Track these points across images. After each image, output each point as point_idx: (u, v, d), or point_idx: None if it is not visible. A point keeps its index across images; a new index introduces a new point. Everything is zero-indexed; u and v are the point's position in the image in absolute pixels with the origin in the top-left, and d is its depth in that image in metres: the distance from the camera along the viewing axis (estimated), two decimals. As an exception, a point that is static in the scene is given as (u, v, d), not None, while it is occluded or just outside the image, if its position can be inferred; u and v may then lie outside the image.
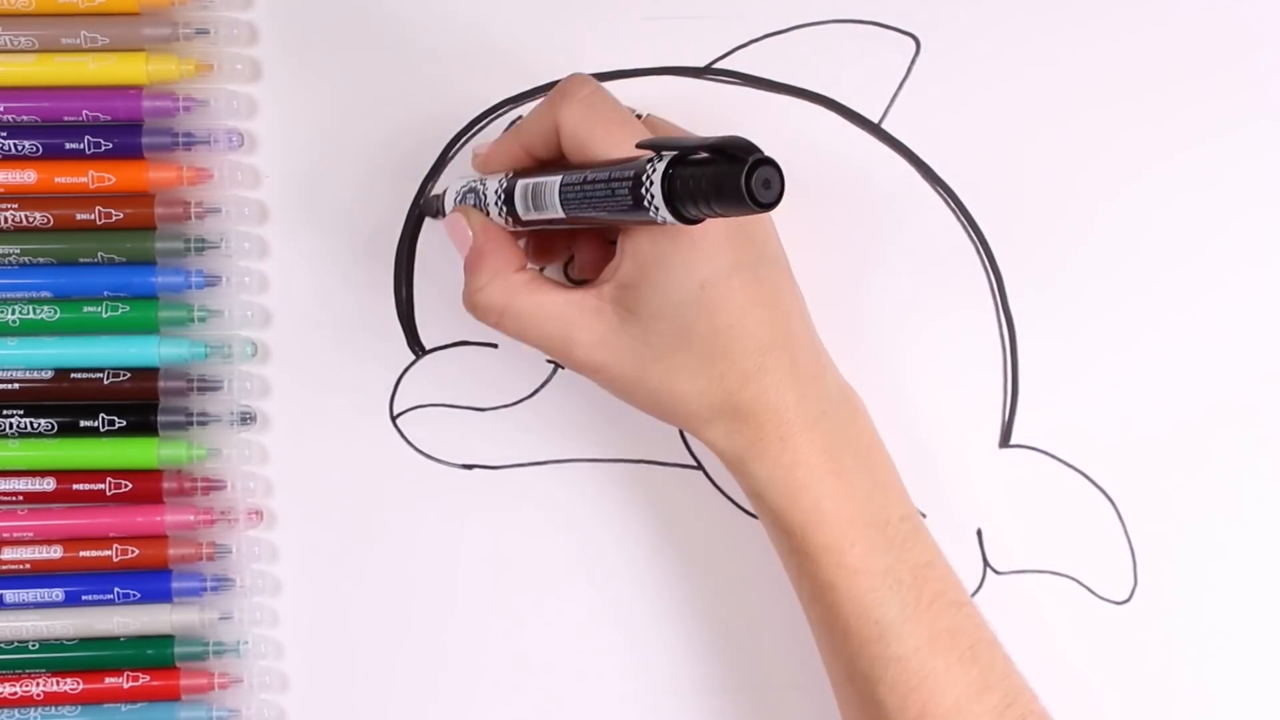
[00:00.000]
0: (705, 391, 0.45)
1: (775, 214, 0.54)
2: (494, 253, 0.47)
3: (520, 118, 0.53)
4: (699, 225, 0.41)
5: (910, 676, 0.45)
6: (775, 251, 0.47)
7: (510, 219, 0.46)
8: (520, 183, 0.44)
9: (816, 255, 0.55)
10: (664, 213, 0.37)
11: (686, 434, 0.55)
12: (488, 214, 0.47)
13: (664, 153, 0.38)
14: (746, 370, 0.45)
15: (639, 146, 0.39)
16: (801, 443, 0.45)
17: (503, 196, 0.46)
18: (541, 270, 0.50)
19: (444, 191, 0.51)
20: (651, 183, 0.37)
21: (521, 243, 0.49)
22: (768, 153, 0.36)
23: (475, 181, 0.48)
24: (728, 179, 0.35)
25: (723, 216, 0.36)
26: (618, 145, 0.43)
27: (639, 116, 0.47)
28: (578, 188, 0.41)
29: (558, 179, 0.42)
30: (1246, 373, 0.55)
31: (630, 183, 0.37)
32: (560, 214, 0.42)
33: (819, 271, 0.55)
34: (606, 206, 0.39)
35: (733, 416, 0.45)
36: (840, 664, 0.47)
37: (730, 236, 0.44)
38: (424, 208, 0.53)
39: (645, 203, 0.36)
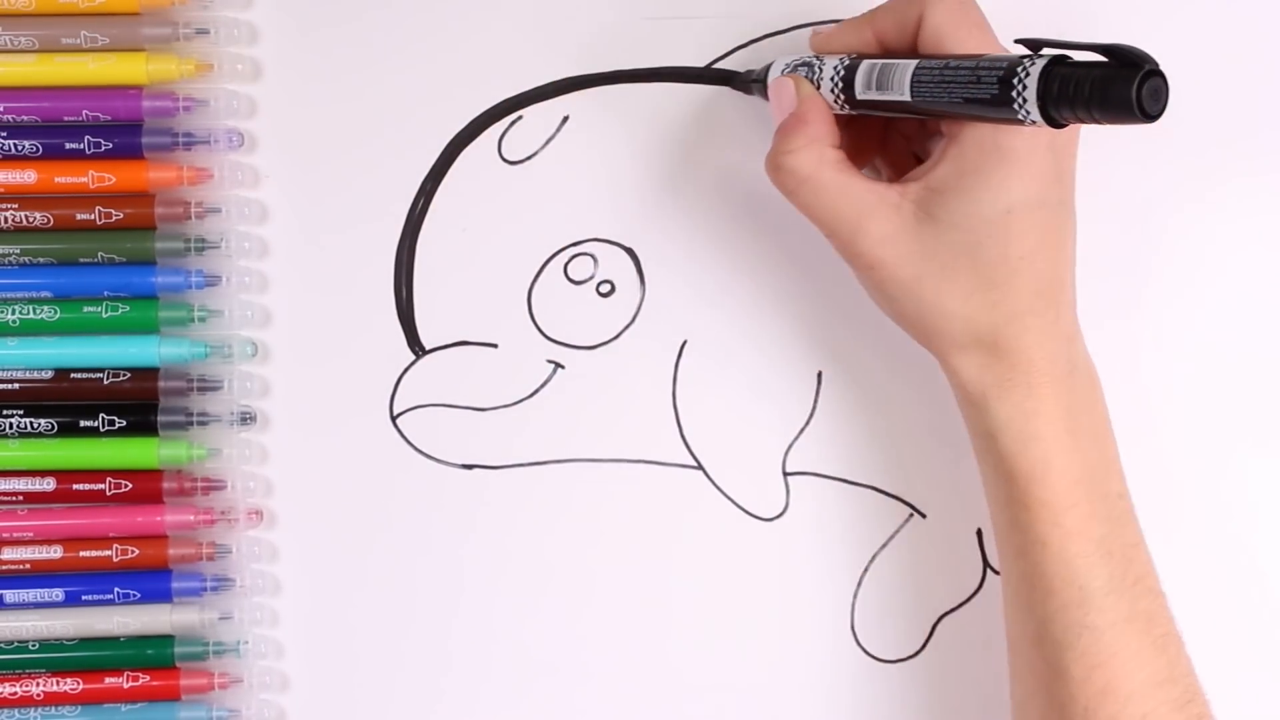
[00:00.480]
0: (973, 317, 0.45)
1: (779, 222, 0.55)
2: (816, 122, 0.46)
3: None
4: (1025, 147, 0.41)
5: (1101, 650, 0.45)
6: (1072, 198, 0.46)
7: (842, 99, 0.45)
8: (866, 62, 0.44)
9: (816, 255, 0.55)
10: (1032, 109, 0.36)
11: (684, 434, 0.55)
12: (818, 88, 0.47)
13: (1044, 51, 0.37)
14: (1019, 307, 0.45)
15: (1018, 41, 0.38)
16: (1046, 394, 0.45)
17: (841, 73, 0.45)
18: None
19: (765, 67, 0.50)
20: (1027, 75, 0.36)
21: None
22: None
23: (810, 58, 0.48)
24: (1118, 83, 0.34)
25: (1097, 123, 0.36)
26: (978, 49, 0.43)
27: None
28: (937, 71, 0.40)
29: (912, 62, 0.42)
30: (1247, 374, 0.55)
31: (1001, 73, 0.36)
32: (906, 96, 0.41)
33: (818, 271, 0.55)
34: (964, 94, 0.38)
35: (990, 350, 0.45)
36: (1031, 625, 0.46)
37: (1045, 170, 0.44)
38: (735, 83, 0.52)
39: (1014, 95, 0.36)
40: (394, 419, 0.55)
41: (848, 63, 0.46)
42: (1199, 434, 0.55)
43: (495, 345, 0.55)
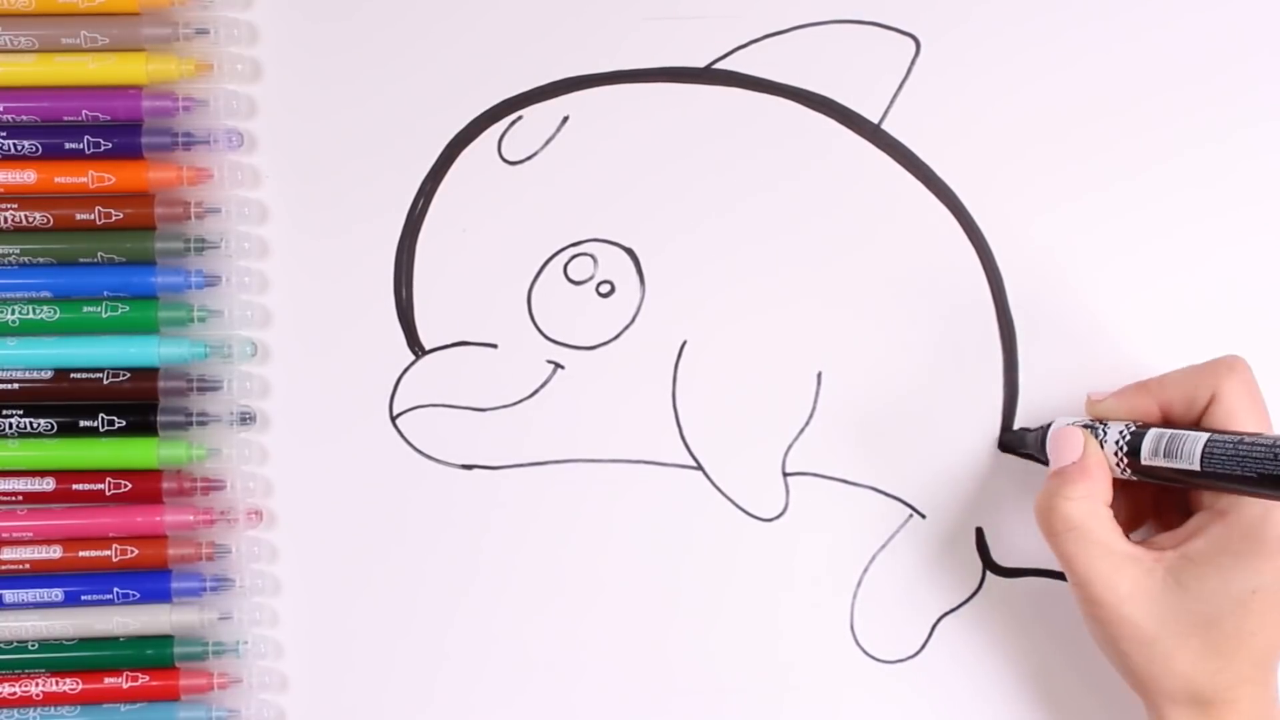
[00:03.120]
0: (1195, 678, 0.47)
1: (779, 223, 0.55)
2: (1098, 477, 0.48)
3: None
4: (1272, 533, 0.45)
5: None
6: None
7: (1124, 463, 0.48)
8: (1154, 432, 0.47)
9: (816, 255, 0.55)
10: None
11: (684, 434, 0.55)
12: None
13: None
14: (1241, 675, 0.47)
15: None
16: None
17: (1127, 438, 0.48)
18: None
19: (1038, 427, 0.52)
20: None
21: None
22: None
23: (1091, 422, 0.50)
24: None
25: None
26: (1258, 429, 0.46)
27: None
28: (1231, 445, 0.43)
29: (1204, 435, 0.44)
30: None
31: None
32: (1195, 466, 0.44)
33: (818, 271, 0.55)
34: (1258, 469, 0.41)
35: (1203, 707, 0.47)
36: None
37: None
38: (1005, 441, 0.54)
39: None
40: (394, 419, 0.55)
41: (1134, 429, 0.48)
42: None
43: (495, 345, 0.55)
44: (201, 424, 0.54)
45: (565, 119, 0.55)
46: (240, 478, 0.54)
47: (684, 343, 0.55)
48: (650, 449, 0.55)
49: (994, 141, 0.55)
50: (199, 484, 0.54)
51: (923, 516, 0.55)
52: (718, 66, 0.55)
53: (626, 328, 0.55)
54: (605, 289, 0.55)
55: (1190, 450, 0.45)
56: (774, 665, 0.55)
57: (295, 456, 0.55)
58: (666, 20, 0.55)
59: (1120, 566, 0.47)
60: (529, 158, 0.55)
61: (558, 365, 0.55)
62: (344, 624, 0.55)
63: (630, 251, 0.55)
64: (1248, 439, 0.43)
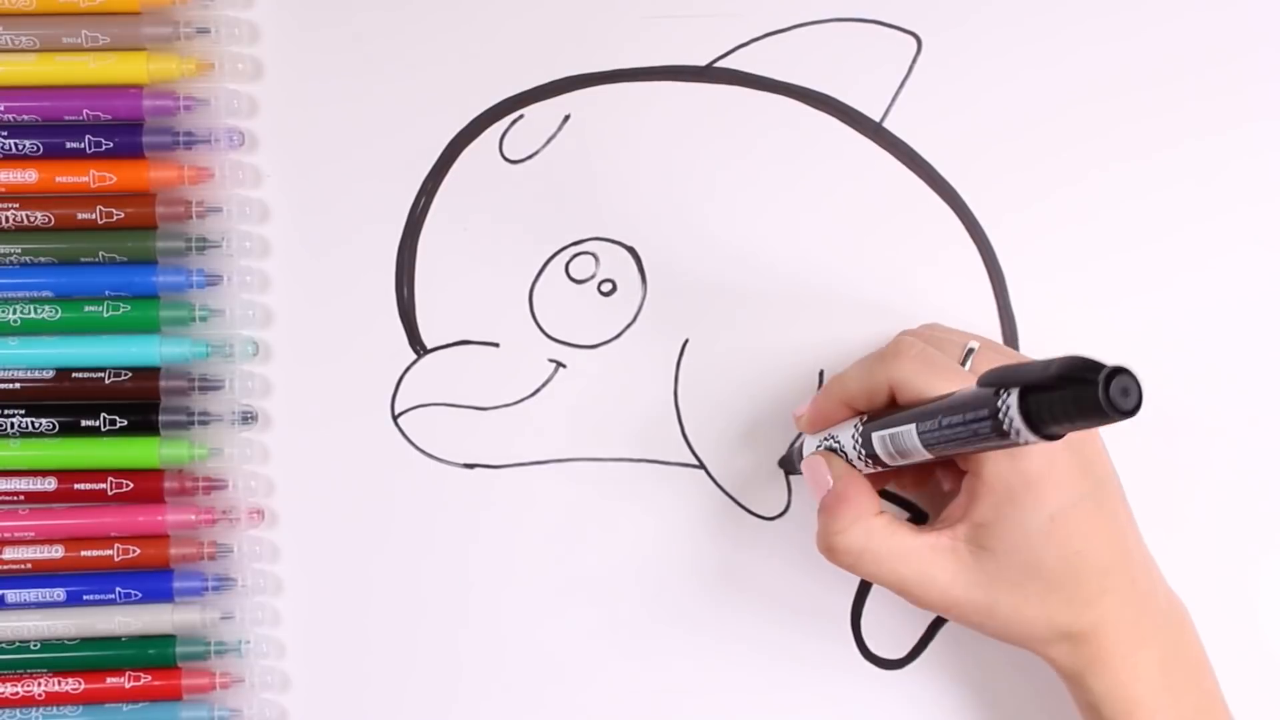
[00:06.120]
0: (1051, 616, 0.47)
1: (781, 221, 0.55)
2: (855, 498, 0.48)
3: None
4: (1043, 460, 0.46)
5: None
6: (1109, 472, 0.49)
7: (870, 463, 0.48)
8: (875, 435, 0.47)
9: (816, 255, 0.55)
10: (1030, 436, 0.39)
11: (686, 433, 0.55)
12: (847, 459, 0.49)
13: (1009, 388, 0.40)
14: (1090, 594, 0.47)
15: (981, 384, 0.41)
16: (1139, 659, 0.48)
17: (860, 442, 0.48)
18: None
19: (798, 445, 0.53)
20: (1009, 416, 0.39)
21: None
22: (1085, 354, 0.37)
23: (828, 438, 0.50)
24: (1086, 399, 0.37)
25: (1090, 427, 0.39)
26: (950, 388, 0.46)
27: (971, 350, 0.49)
28: (936, 432, 0.44)
29: (912, 427, 0.45)
30: (1248, 372, 0.55)
31: (989, 421, 0.40)
32: (926, 455, 0.45)
33: (819, 271, 0.55)
34: (971, 442, 0.42)
35: (1076, 638, 0.47)
36: None
37: (1071, 468, 0.47)
38: (783, 464, 0.55)
39: (1009, 432, 0.39)
40: (395, 418, 0.55)
41: (860, 430, 0.48)
42: (1198, 434, 0.55)
43: (497, 344, 0.55)
44: (203, 423, 0.54)
45: (566, 118, 0.55)
46: (242, 477, 0.54)
47: (686, 341, 0.55)
48: (652, 448, 0.55)
49: (996, 139, 0.55)
50: (201, 483, 0.54)
51: (924, 515, 0.55)
52: (719, 65, 0.55)
53: (628, 326, 0.55)
54: (607, 288, 0.55)
55: (913, 443, 0.45)
56: (776, 663, 0.55)
57: (297, 456, 0.55)
58: (668, 19, 0.55)
59: (925, 559, 0.47)
60: (530, 156, 0.55)
61: (559, 364, 0.55)
62: (346, 623, 0.55)
63: (632, 250, 0.55)
64: (944, 420, 0.43)
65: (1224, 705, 0.50)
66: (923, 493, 0.53)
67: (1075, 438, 0.47)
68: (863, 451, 0.48)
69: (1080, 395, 0.37)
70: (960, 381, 0.46)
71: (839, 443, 0.49)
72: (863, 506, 0.48)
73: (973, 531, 0.47)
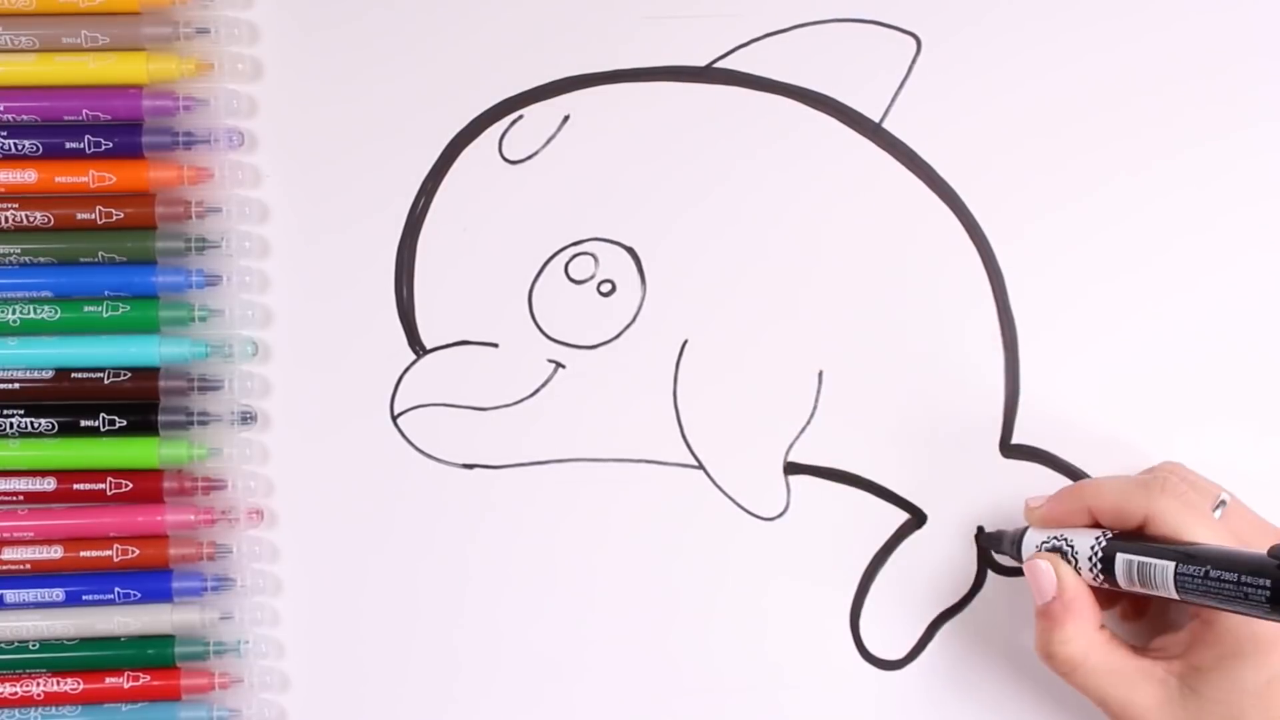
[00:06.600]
0: None
1: (780, 222, 0.55)
2: (1082, 610, 0.49)
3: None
4: (1274, 630, 0.46)
5: None
6: None
7: (1101, 579, 0.48)
8: (1123, 557, 0.47)
9: (817, 254, 0.55)
10: None
11: (685, 433, 0.55)
12: (1075, 567, 0.49)
13: None
14: None
15: (1273, 555, 0.42)
16: None
17: (1099, 556, 0.48)
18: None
19: (1016, 531, 0.52)
20: None
21: None
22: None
23: (1058, 539, 0.50)
24: None
25: None
26: (1206, 539, 0.47)
27: (1223, 501, 0.50)
28: (1199, 580, 0.44)
29: (1171, 565, 0.45)
30: (1248, 373, 0.55)
31: (1268, 591, 0.41)
32: (1173, 595, 0.45)
33: (819, 271, 0.55)
34: (1232, 602, 0.42)
35: None
36: None
37: None
38: (985, 540, 0.55)
39: None
40: (395, 418, 0.55)
41: (1104, 545, 0.48)
42: (1198, 433, 0.55)
43: (496, 345, 0.55)
44: (202, 423, 0.54)
45: (566, 118, 0.55)
46: (241, 477, 0.54)
47: (685, 342, 0.55)
48: (651, 448, 0.55)
49: (995, 140, 0.55)
50: (200, 483, 0.54)
51: (924, 516, 0.55)
52: (718, 65, 0.55)
53: (627, 327, 0.55)
54: (606, 288, 0.55)
55: (1163, 580, 0.46)
56: (775, 664, 0.55)
57: (296, 456, 0.55)
58: (667, 19, 0.55)
59: (1135, 684, 0.48)
60: (530, 157, 0.55)
61: (559, 364, 0.55)
62: (345, 623, 0.55)
63: (631, 250, 0.55)
64: (1213, 573, 0.44)
65: None
66: (1129, 623, 0.53)
67: None
68: (1099, 566, 0.48)
69: None
70: (1213, 532, 0.47)
71: (1071, 546, 0.49)
72: (1087, 621, 0.49)
73: (1188, 671, 0.48)
